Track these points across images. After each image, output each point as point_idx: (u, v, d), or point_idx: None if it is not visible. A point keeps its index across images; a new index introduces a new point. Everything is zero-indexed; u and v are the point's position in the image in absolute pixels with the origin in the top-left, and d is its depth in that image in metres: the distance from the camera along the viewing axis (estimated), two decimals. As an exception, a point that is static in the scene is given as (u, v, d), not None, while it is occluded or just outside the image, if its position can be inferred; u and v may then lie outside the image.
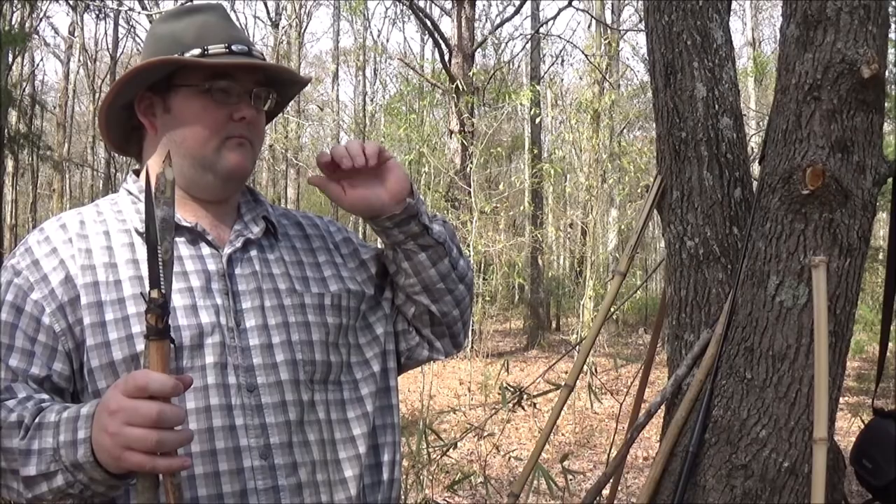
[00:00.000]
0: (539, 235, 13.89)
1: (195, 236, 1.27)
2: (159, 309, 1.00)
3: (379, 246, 1.49)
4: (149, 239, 1.04)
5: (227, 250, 1.27)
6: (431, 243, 1.35)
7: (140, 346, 1.15)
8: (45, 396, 1.14)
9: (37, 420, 1.08)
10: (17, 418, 1.09)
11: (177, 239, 1.24)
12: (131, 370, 1.13)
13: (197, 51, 1.24)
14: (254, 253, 1.30)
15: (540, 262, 14.93)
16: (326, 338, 1.29)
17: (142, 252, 1.23)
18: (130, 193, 1.31)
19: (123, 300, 1.19)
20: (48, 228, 1.26)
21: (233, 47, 1.26)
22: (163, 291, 1.01)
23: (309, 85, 1.55)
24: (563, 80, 19.77)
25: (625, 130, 15.42)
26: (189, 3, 1.35)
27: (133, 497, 1.13)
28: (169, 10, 1.35)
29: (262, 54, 1.31)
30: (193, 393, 1.15)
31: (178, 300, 1.20)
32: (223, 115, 1.25)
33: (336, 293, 1.33)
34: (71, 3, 14.53)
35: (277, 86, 1.34)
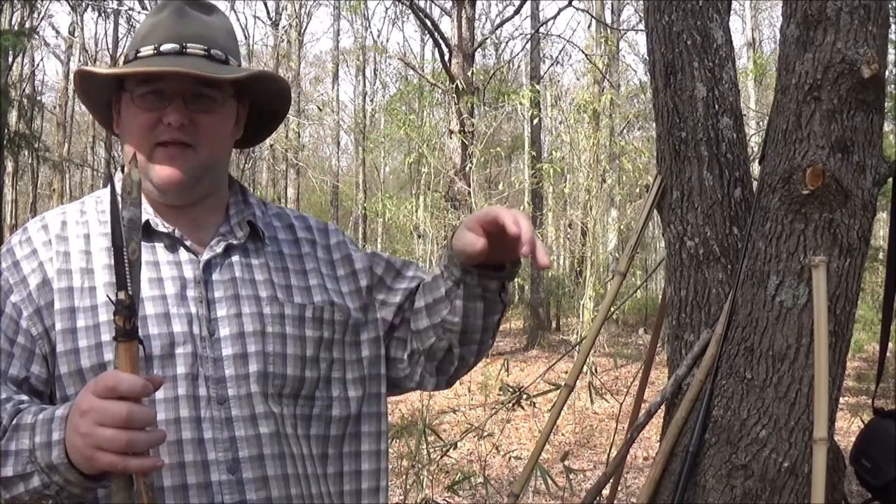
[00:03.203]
0: (539, 235, 13.86)
1: (173, 241, 1.24)
2: (126, 310, 1.00)
3: (369, 251, 1.43)
4: (114, 240, 1.03)
5: (206, 256, 1.24)
6: (497, 300, 1.31)
7: (109, 355, 1.14)
8: (25, 398, 1.14)
9: (14, 421, 1.08)
10: None
11: (155, 244, 1.23)
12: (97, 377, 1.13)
13: (132, 53, 1.23)
14: (235, 258, 1.26)
15: (540, 262, 14.89)
16: (303, 352, 1.25)
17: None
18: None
19: (96, 307, 1.18)
20: (31, 229, 1.25)
21: (161, 48, 1.21)
22: (130, 293, 1.01)
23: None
24: (560, 80, 19.77)
25: (624, 130, 15.43)
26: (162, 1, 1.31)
27: (105, 498, 1.12)
28: (152, 8, 1.34)
29: (209, 49, 1.23)
30: (164, 404, 1.14)
31: (150, 308, 1.17)
32: (150, 121, 1.20)
33: (319, 305, 1.29)
34: (71, 3, 14.53)
35: (250, 90, 1.29)
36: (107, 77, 1.24)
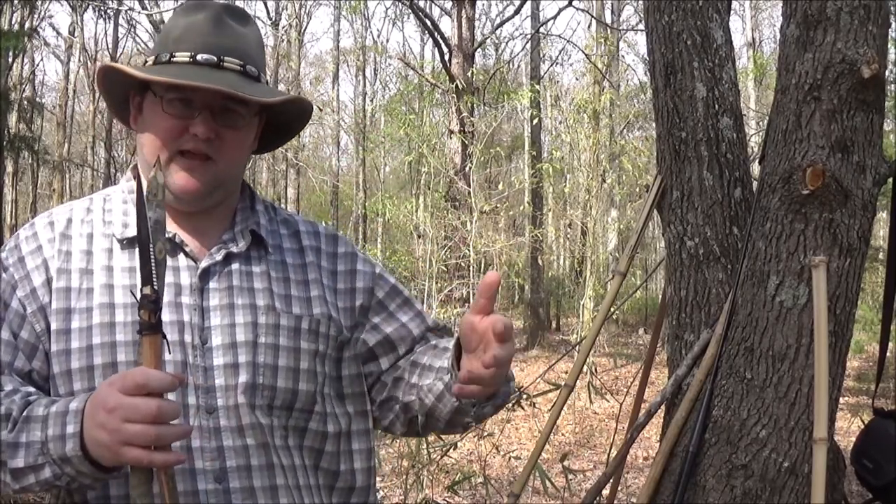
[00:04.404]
0: (539, 235, 13.89)
1: (174, 247, 1.23)
2: (152, 305, 1.02)
3: (377, 270, 1.39)
4: (140, 237, 1.05)
5: (205, 263, 1.23)
6: (469, 412, 1.27)
7: (98, 359, 1.16)
8: (32, 389, 1.15)
9: (25, 413, 1.09)
10: (5, 411, 1.09)
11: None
12: (86, 380, 1.15)
13: (166, 56, 1.22)
14: (235, 266, 1.25)
15: (540, 262, 14.93)
16: (297, 364, 1.23)
17: (118, 259, 1.22)
18: (123, 192, 1.30)
19: (91, 309, 1.18)
20: (37, 224, 1.26)
21: (198, 57, 1.20)
22: (155, 288, 1.03)
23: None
24: (560, 80, 19.77)
25: (624, 130, 15.43)
26: (195, 1, 1.28)
27: (117, 487, 1.15)
28: (185, 4, 1.31)
29: (244, 65, 1.23)
30: None
31: None
32: (177, 128, 1.20)
33: (316, 317, 1.27)
34: (71, 3, 14.53)
35: (274, 109, 1.28)
36: (137, 78, 1.22)
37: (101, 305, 1.18)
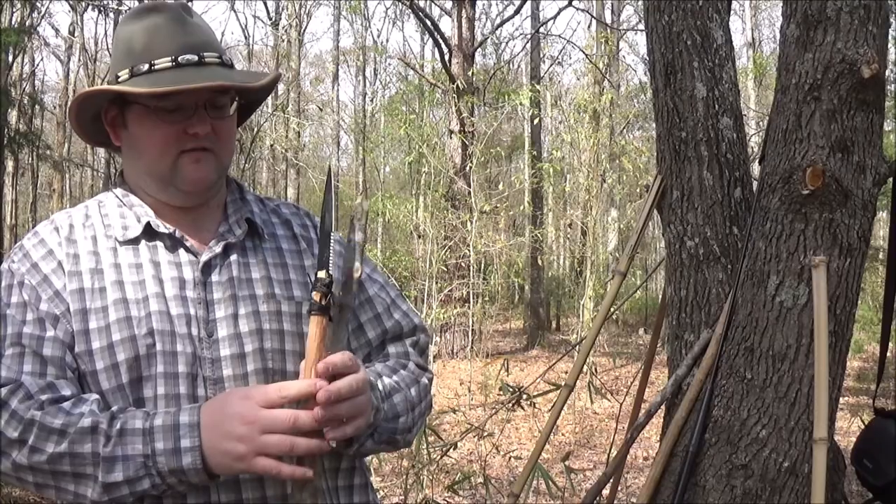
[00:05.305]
0: (539, 235, 13.88)
1: (174, 242, 1.26)
2: (325, 288, 1.11)
3: (376, 272, 1.40)
4: (323, 226, 1.14)
5: (205, 257, 1.25)
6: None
7: (121, 355, 1.17)
8: (96, 397, 1.15)
9: (119, 426, 1.10)
10: (90, 423, 1.10)
11: (157, 244, 1.25)
12: (113, 378, 1.16)
13: (145, 66, 1.22)
14: (234, 257, 1.28)
15: (540, 262, 14.93)
16: (302, 348, 1.24)
17: (123, 257, 1.23)
18: (117, 197, 1.31)
19: (106, 308, 1.19)
20: (42, 231, 1.27)
21: (180, 59, 1.22)
22: (330, 273, 1.12)
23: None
24: (560, 80, 19.75)
25: (624, 130, 15.43)
26: (147, 3, 1.30)
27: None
28: (130, 10, 1.31)
29: (221, 56, 1.26)
30: (164, 400, 1.17)
31: (154, 305, 1.20)
32: (175, 132, 1.22)
33: None
34: (71, 2, 14.52)
35: (245, 90, 1.30)
36: (132, 94, 1.22)
37: (116, 301, 1.20)
